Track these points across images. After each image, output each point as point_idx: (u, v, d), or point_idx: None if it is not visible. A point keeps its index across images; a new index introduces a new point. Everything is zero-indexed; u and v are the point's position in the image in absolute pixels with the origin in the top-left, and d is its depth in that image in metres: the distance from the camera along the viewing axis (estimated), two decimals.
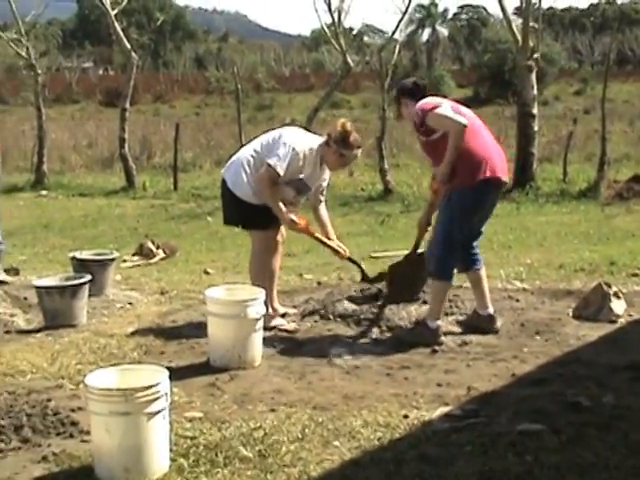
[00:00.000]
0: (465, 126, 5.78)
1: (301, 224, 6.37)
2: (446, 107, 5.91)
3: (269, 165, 6.17)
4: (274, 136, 6.38)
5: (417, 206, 13.49)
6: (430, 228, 6.38)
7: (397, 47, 16.78)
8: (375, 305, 6.63)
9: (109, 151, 20.35)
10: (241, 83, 18.96)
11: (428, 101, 5.97)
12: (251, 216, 6.40)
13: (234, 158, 6.58)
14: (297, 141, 6.31)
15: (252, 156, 6.37)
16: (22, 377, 5.48)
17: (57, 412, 4.69)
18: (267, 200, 6.27)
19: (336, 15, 16.20)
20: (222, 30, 76.03)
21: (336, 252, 6.66)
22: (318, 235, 6.58)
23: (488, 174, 5.86)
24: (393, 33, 17.02)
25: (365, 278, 6.81)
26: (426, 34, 67.79)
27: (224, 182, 6.53)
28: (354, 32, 53.21)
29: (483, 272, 6.36)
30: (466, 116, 5.93)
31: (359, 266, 6.82)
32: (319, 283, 7.96)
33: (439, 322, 6.06)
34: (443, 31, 70.85)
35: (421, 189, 14.97)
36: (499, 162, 6.00)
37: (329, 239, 6.62)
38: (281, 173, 6.16)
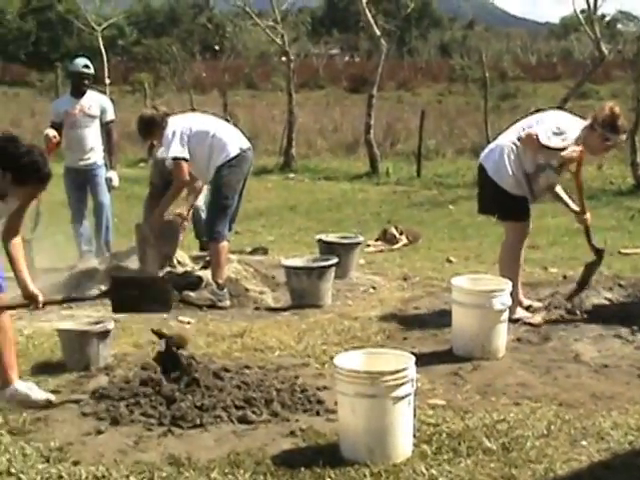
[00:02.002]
0: None
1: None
2: None
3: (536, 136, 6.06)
4: (536, 119, 6.25)
5: None
6: None
7: None
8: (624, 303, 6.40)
9: (353, 136, 20.64)
10: (487, 71, 18.72)
11: None
12: (510, 206, 6.29)
13: (493, 145, 6.46)
14: (561, 123, 6.16)
15: (514, 144, 6.25)
16: (271, 353, 5.70)
17: (304, 389, 4.84)
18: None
19: (592, 0, 15.63)
20: (468, 17, 75.33)
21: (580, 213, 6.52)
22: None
23: None
24: None
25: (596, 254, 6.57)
26: None
27: (483, 170, 6.42)
28: (607, 19, 51.23)
29: None
30: None
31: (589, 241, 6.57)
32: (565, 277, 7.73)
33: None
34: None
35: None
36: None
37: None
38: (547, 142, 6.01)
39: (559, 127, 6.06)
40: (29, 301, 4.82)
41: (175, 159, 7.00)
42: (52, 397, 4.77)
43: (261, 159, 18.51)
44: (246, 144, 7.29)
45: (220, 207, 7.15)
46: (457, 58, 46.88)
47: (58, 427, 4.43)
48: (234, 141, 7.18)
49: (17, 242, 4.85)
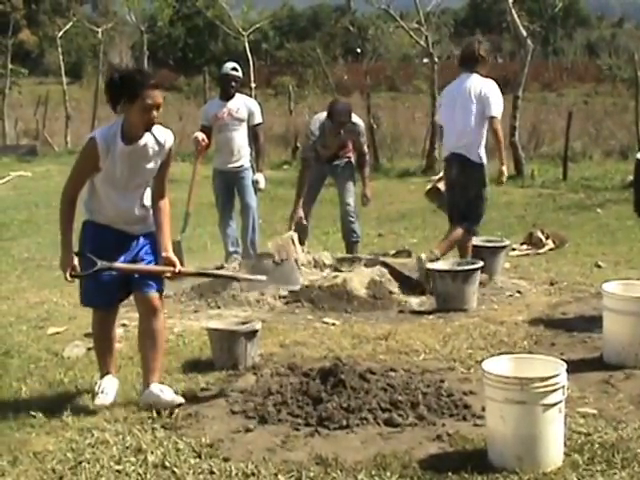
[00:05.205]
0: None
1: None
2: None
3: None
4: None
5: None
6: None
7: None
8: None
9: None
10: (638, 70, 18.13)
11: None
12: None
13: None
14: None
15: None
16: (416, 356, 5.68)
17: (450, 394, 4.80)
18: None
19: None
20: (617, 15, 73.09)
21: None
22: None
23: None
24: None
25: None
26: None
27: None
28: None
29: None
30: None
31: None
32: None
33: None
34: None
35: None
36: None
37: None
38: None
39: None
40: (167, 267, 4.79)
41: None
42: (180, 400, 4.74)
43: (403, 161, 18.50)
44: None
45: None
46: (605, 58, 45.65)
47: (208, 424, 4.54)
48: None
49: (162, 205, 4.87)
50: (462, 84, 7.56)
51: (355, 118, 8.47)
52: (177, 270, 4.80)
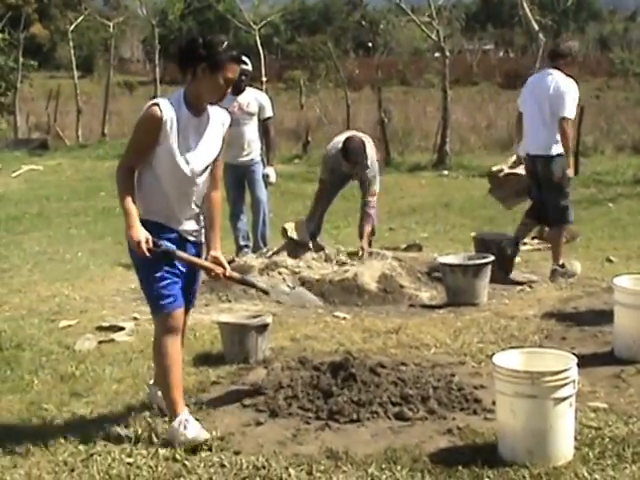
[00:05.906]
0: None
1: None
2: None
3: None
4: None
5: None
6: None
7: None
8: None
9: (507, 133, 20.28)
10: None
11: None
12: None
13: None
14: None
15: None
16: (426, 350, 5.68)
17: (461, 387, 4.80)
18: None
19: None
20: (630, 9, 72.73)
21: None
22: None
23: None
24: None
25: None
26: None
27: None
28: None
29: None
30: None
31: None
32: None
33: None
34: None
35: None
36: None
37: None
38: None
39: None
40: (217, 267, 4.36)
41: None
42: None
43: (414, 155, 18.47)
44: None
45: None
46: (617, 52, 45.43)
47: (219, 417, 4.55)
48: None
49: (215, 197, 4.48)
50: (543, 79, 7.57)
51: (371, 162, 7.95)
52: (227, 274, 4.41)
